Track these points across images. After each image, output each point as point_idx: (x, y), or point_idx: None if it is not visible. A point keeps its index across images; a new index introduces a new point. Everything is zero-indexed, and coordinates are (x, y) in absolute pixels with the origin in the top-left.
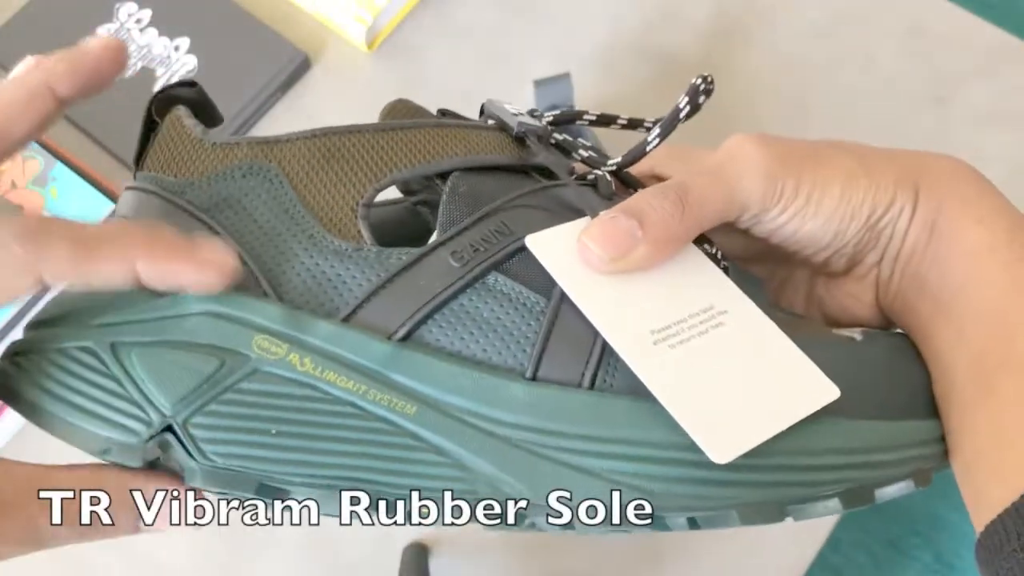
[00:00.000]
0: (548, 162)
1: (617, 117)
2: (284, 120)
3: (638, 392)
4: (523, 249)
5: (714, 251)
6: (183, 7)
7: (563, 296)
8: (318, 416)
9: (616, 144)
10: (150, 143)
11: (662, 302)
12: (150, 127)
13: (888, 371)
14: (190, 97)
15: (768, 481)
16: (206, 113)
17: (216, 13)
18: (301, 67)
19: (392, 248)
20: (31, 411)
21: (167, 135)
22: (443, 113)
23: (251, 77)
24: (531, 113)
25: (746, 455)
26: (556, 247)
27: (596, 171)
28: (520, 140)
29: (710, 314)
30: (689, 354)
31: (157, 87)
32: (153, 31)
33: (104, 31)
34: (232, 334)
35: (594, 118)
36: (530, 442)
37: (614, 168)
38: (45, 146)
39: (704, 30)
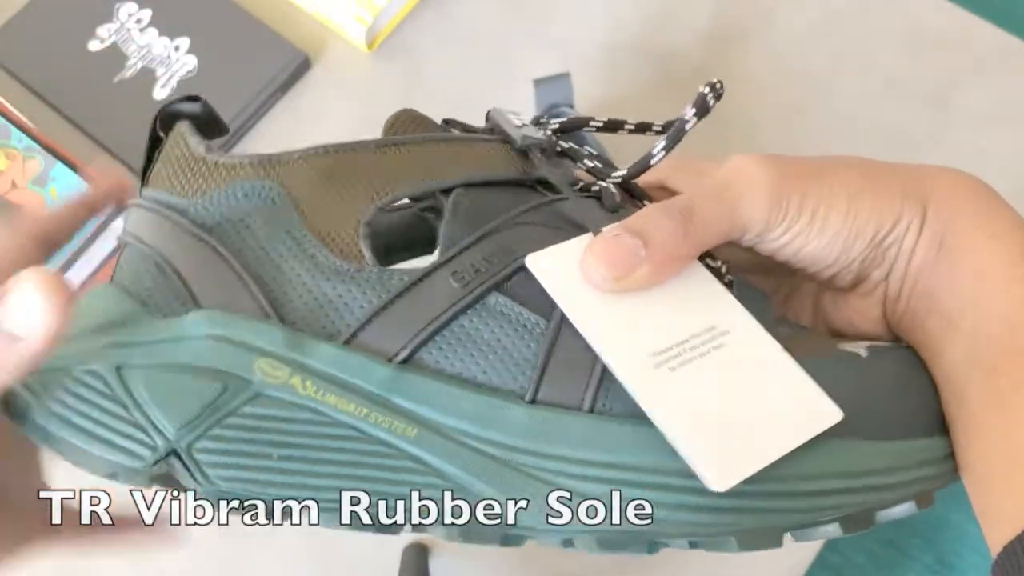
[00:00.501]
0: (551, 176)
1: (624, 122)
2: (284, 120)
3: (639, 416)
4: (524, 268)
5: (718, 265)
6: (183, 7)
7: (563, 317)
8: (320, 440)
9: (620, 147)
10: (155, 159)
11: (663, 322)
12: (155, 142)
13: (894, 389)
14: (194, 112)
15: (769, 508)
16: (210, 125)
17: (216, 13)
18: (301, 67)
19: (393, 268)
20: (41, 434)
21: (171, 152)
22: (447, 123)
23: (251, 77)
24: (537, 120)
25: (746, 481)
26: (556, 266)
27: (601, 183)
28: (524, 153)
29: (712, 334)
30: (689, 377)
31: (157, 87)
32: (153, 31)
33: (104, 31)
34: (234, 358)
35: (601, 124)
36: (531, 465)
37: (619, 180)
38: (45, 146)
39: (704, 30)
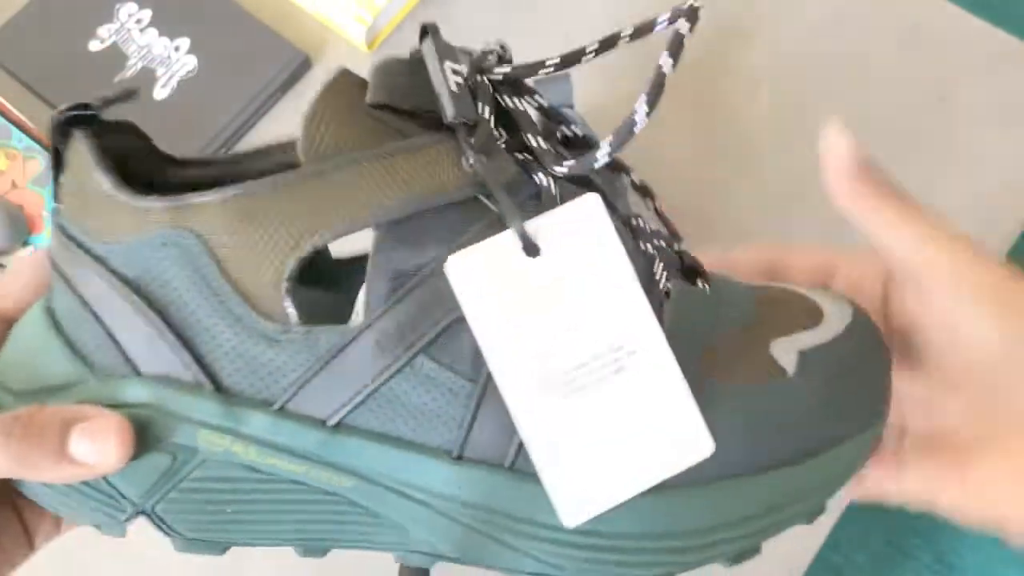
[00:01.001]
0: (485, 176)
1: (584, 50)
2: (284, 120)
3: None
4: (449, 327)
5: (657, 272)
6: (183, 7)
7: (488, 380)
8: (266, 494)
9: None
10: (61, 173)
11: (568, 341)
12: (58, 154)
13: (810, 408)
14: (90, 115)
15: (668, 561)
16: (117, 101)
17: (216, 13)
18: (301, 67)
19: (319, 330)
20: (32, 495)
21: (75, 177)
22: (380, 105)
23: (251, 77)
24: (477, 68)
25: (652, 538)
26: (472, 269)
27: (540, 176)
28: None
29: (613, 356)
30: (574, 407)
31: (157, 87)
32: (153, 31)
33: (104, 31)
34: (178, 430)
35: (556, 62)
36: (460, 514)
37: (564, 173)
38: (45, 146)
39: (704, 30)
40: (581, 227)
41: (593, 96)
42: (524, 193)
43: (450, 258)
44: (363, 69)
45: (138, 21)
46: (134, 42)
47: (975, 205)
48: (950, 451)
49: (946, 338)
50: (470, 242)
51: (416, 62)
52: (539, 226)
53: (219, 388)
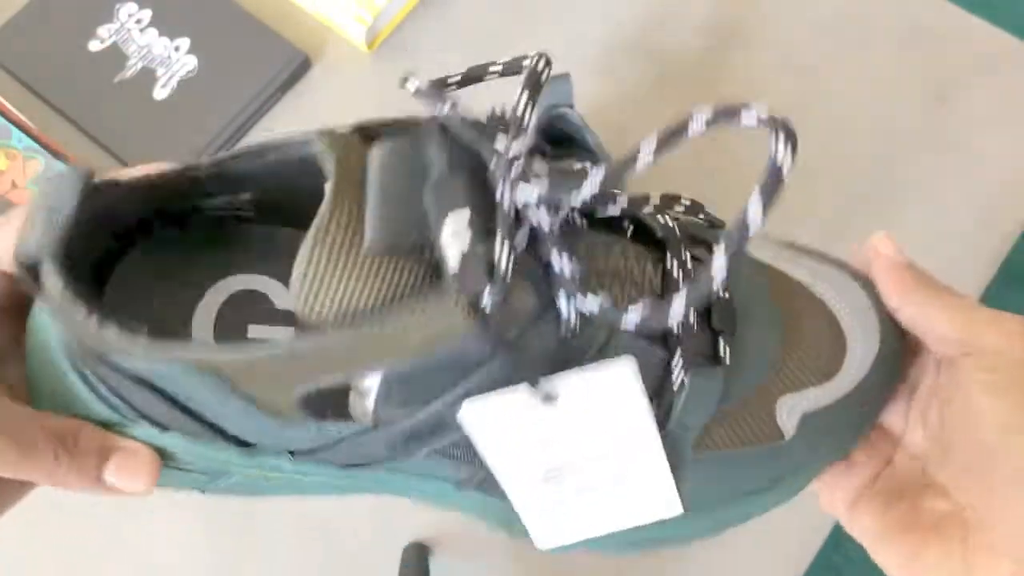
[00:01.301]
0: (493, 340)
1: (635, 157)
2: (284, 120)
3: None
4: (458, 437)
5: (674, 361)
6: (183, 7)
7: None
8: (294, 485)
9: (610, 123)
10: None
11: (574, 466)
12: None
13: (793, 461)
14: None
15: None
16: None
17: (216, 13)
18: (301, 67)
19: (330, 424)
20: None
21: (63, 309)
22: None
23: (251, 77)
24: (506, 170)
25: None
26: (487, 415)
27: (561, 302)
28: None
29: (611, 452)
30: (563, 487)
31: (157, 87)
32: (153, 31)
33: (104, 31)
34: (214, 465)
35: (601, 178)
36: (470, 507)
37: (593, 315)
38: (46, 146)
39: (704, 30)
40: (608, 392)
41: (593, 96)
42: (543, 320)
43: (466, 404)
44: (363, 69)
45: (138, 21)
46: (134, 42)
47: (975, 205)
48: (911, 520)
49: (963, 409)
50: (483, 379)
51: (414, 152)
52: (561, 383)
53: (243, 445)
